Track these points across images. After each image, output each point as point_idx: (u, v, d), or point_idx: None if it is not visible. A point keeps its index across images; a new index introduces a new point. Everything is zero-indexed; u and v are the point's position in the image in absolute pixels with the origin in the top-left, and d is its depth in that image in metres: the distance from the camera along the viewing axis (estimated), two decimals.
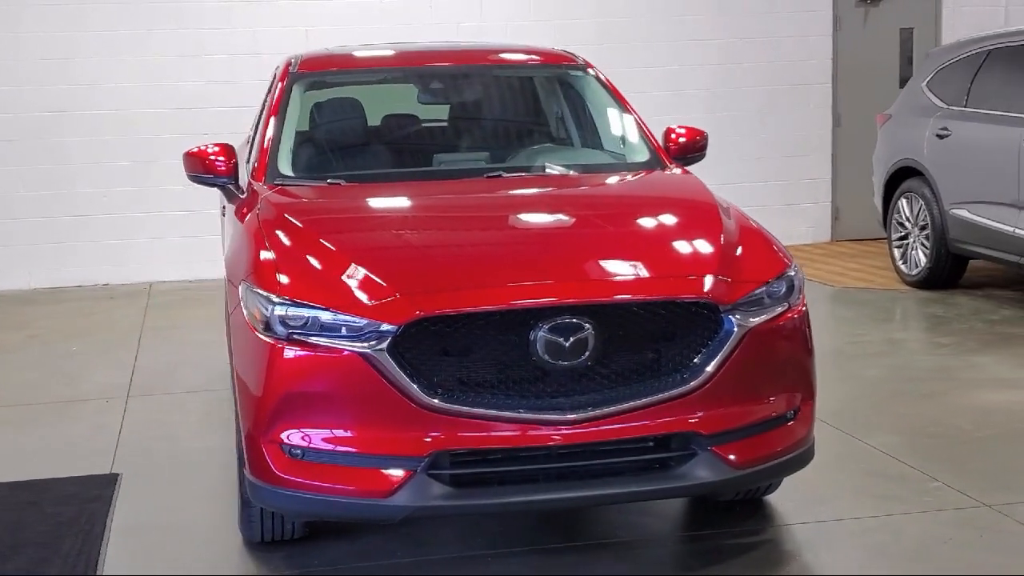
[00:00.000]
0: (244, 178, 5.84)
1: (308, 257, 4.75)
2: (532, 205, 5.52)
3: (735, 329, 4.50)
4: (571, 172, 5.84)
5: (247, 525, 4.93)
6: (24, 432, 6.82)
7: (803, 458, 4.82)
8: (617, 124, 6.21)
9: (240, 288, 4.71)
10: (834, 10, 12.28)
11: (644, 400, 4.41)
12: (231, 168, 5.78)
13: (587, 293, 4.46)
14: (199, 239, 11.36)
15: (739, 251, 4.82)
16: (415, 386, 4.31)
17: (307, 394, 4.40)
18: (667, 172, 5.86)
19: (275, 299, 4.47)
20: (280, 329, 4.44)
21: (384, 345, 4.30)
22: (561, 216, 5.32)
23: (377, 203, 5.52)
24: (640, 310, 4.48)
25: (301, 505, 4.53)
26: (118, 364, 8.21)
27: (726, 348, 4.48)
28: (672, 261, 4.76)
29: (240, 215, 5.44)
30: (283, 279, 4.57)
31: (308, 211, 5.29)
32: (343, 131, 6.20)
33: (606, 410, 4.38)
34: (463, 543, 5.02)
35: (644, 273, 4.62)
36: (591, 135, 6.41)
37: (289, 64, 6.23)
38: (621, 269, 4.64)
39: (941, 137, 9.54)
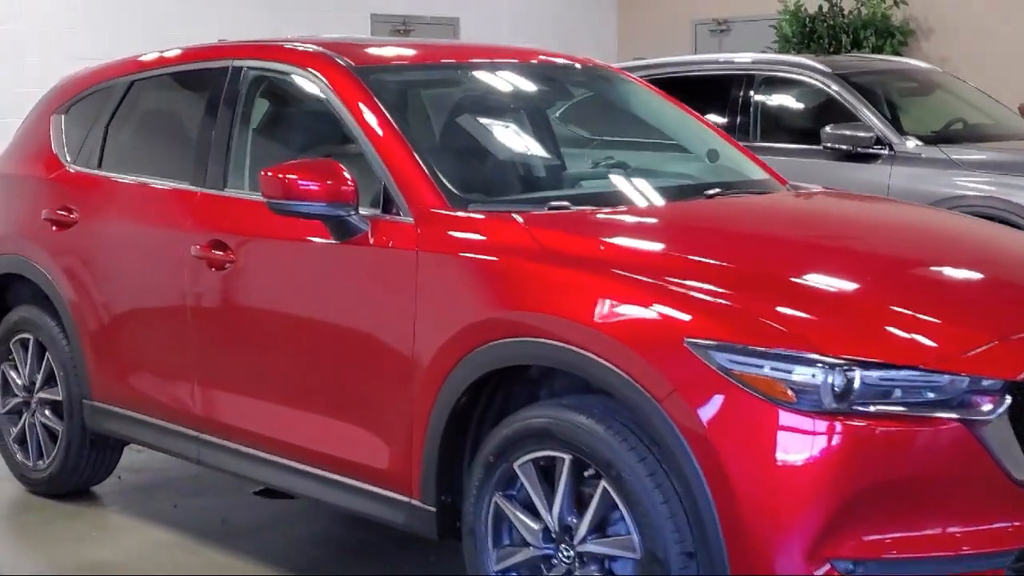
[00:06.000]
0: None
1: (779, 299, 3.45)
2: (863, 228, 4.57)
3: None
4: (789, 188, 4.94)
5: None
6: None
7: None
8: (712, 136, 5.29)
9: (708, 354, 3.26)
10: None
11: None
12: (351, 194, 3.98)
13: None
14: None
15: None
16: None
17: (883, 488, 3.22)
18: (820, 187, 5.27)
19: (825, 359, 3.20)
20: (830, 401, 3.19)
21: (1000, 408, 3.25)
22: (925, 241, 4.39)
23: (714, 230, 4.25)
24: None
25: None
26: None
27: None
28: None
29: (516, 257, 3.77)
30: (813, 331, 3.30)
31: (655, 243, 4.05)
32: (471, 142, 4.87)
33: None
34: None
35: None
36: (688, 143, 5.38)
37: (342, 65, 4.52)
38: None
39: None
